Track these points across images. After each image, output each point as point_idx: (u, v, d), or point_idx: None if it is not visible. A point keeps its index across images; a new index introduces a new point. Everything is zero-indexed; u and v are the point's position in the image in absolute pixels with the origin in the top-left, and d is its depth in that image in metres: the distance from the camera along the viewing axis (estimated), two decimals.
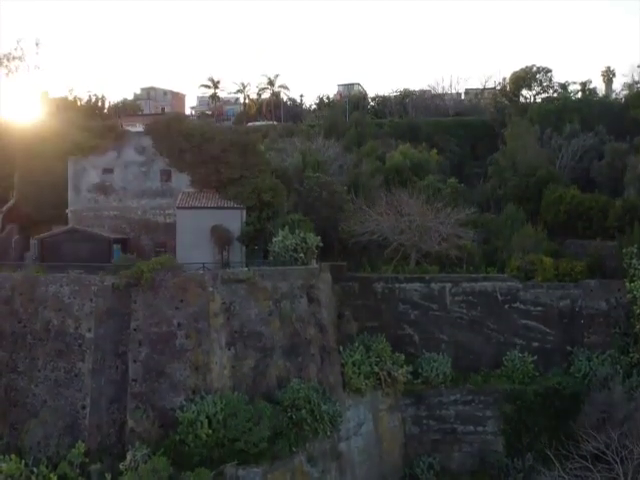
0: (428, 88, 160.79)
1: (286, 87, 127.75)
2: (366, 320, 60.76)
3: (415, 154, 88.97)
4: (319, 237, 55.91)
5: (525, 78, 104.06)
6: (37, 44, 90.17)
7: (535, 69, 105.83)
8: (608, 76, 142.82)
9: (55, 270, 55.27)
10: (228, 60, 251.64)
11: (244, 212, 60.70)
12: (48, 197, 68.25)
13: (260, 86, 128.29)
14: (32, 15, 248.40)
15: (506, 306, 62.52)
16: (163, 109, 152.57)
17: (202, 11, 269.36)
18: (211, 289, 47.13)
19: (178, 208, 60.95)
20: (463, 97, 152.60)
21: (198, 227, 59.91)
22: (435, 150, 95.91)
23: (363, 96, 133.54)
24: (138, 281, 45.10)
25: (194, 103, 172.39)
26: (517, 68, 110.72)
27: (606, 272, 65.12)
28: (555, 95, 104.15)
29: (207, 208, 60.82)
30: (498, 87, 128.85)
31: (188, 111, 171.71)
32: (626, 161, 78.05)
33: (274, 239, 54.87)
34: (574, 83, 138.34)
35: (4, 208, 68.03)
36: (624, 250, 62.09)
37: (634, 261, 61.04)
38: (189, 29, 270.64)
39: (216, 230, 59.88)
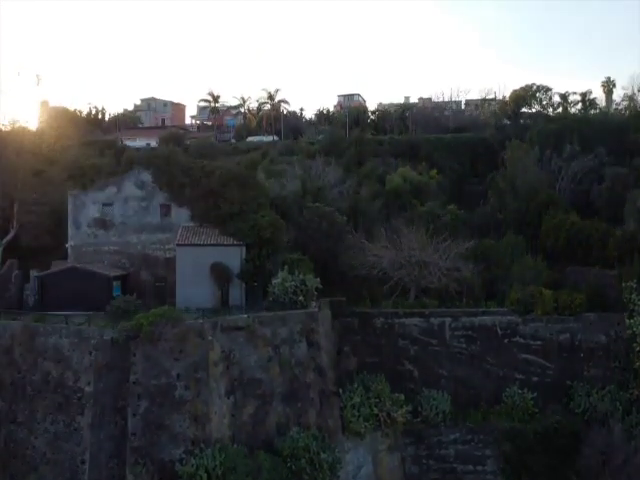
0: (429, 96, 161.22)
1: (286, 101, 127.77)
2: (366, 356, 60.86)
3: (415, 177, 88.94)
4: (318, 279, 55.90)
5: (525, 97, 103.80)
6: (38, 78, 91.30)
7: (535, 87, 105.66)
8: (608, 87, 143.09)
9: (55, 308, 55.97)
10: (229, 69, 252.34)
11: (244, 249, 60.80)
12: (48, 228, 68.69)
13: (260, 100, 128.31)
14: (34, 25, 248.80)
15: (506, 340, 62.55)
16: (163, 120, 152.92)
17: (202, 21, 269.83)
18: (210, 338, 47.28)
19: (178, 245, 61.08)
20: (463, 107, 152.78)
21: (198, 264, 60.14)
22: (435, 170, 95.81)
23: (363, 109, 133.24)
24: (138, 334, 45.14)
25: (194, 112, 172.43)
26: (517, 85, 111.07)
27: (606, 303, 65.03)
28: (555, 114, 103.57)
29: (207, 245, 60.90)
30: (499, 99, 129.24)
31: (188, 120, 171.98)
32: (627, 194, 77.70)
33: (274, 281, 54.88)
34: (574, 94, 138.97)
35: (4, 241, 68.14)
36: (624, 284, 61.92)
37: (633, 296, 60.97)
38: (190, 39, 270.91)
39: (216, 268, 60.06)
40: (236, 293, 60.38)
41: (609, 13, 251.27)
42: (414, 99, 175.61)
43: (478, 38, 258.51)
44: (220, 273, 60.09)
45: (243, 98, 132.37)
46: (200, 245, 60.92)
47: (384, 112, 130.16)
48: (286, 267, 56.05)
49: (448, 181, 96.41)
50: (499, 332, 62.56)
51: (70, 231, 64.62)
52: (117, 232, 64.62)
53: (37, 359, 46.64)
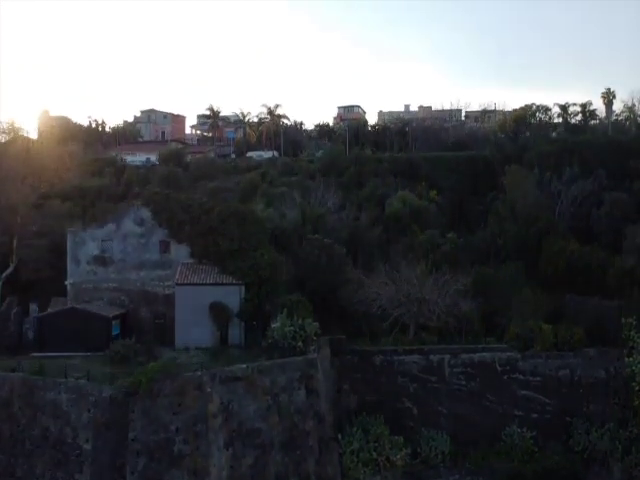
0: (429, 104, 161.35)
1: (286, 117, 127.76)
2: (365, 394, 60.70)
3: (414, 201, 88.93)
4: (317, 323, 55.95)
5: (525, 116, 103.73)
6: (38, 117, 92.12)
7: (535, 107, 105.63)
8: (608, 97, 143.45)
9: (54, 348, 56.05)
10: (228, 77, 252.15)
11: (243, 288, 60.85)
12: (48, 261, 68.80)
13: (260, 116, 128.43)
14: (36, 33, 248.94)
15: (505, 377, 62.46)
16: (163, 133, 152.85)
17: (202, 30, 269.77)
18: (209, 390, 47.32)
19: (177, 285, 61.14)
20: (463, 117, 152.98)
21: (197, 303, 60.40)
22: (434, 191, 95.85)
23: (363, 123, 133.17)
24: (136, 391, 45.15)
25: (194, 120, 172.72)
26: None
27: (606, 336, 64.93)
28: (555, 133, 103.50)
29: (206, 285, 60.98)
30: (499, 110, 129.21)
31: (188, 130, 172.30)
32: (627, 220, 77.81)
33: (272, 325, 54.91)
34: (574, 105, 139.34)
35: (3, 275, 68.27)
36: (623, 320, 61.88)
37: (632, 333, 60.95)
38: (190, 49, 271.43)
39: (215, 307, 60.29)
40: (235, 332, 60.59)
41: (609, 27, 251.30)
42: (414, 107, 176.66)
43: (478, 49, 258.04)
44: (219, 312, 60.26)
45: (243, 113, 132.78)
46: (199, 284, 60.98)
47: (384, 127, 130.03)
48: (285, 310, 55.98)
49: (448, 201, 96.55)
50: (498, 368, 62.44)
51: (69, 268, 64.72)
52: (116, 269, 64.76)
53: (36, 413, 46.68)
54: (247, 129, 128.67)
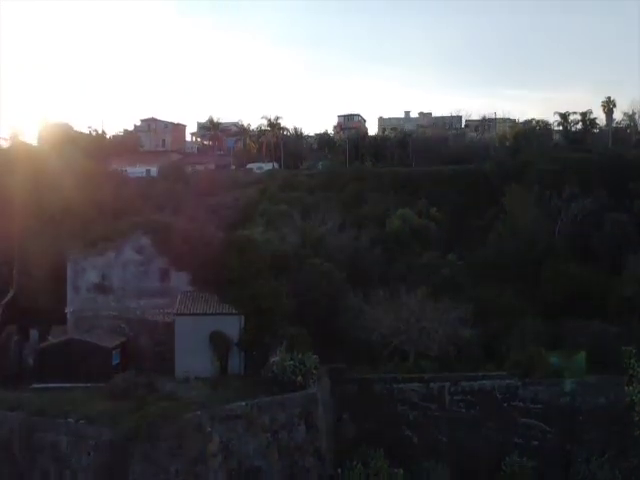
0: (429, 111, 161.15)
1: (286, 128, 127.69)
2: (365, 423, 60.74)
3: (414, 219, 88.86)
4: (316, 356, 55.90)
5: (525, 133, 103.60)
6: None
7: (535, 122, 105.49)
8: (609, 106, 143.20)
9: (54, 378, 56.06)
10: (229, 84, 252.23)
11: (242, 318, 60.74)
12: (47, 288, 68.58)
13: (261, 127, 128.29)
14: (35, 38, 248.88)
15: (505, 404, 62.60)
16: (163, 141, 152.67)
17: (201, 39, 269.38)
18: (209, 429, 47.33)
19: (177, 315, 61.05)
20: (464, 126, 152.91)
21: (197, 333, 60.30)
22: (434, 208, 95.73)
23: (363, 135, 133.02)
24: (136, 435, 45.12)
25: (194, 127, 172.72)
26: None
27: (606, 361, 64.90)
28: (555, 152, 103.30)
29: (206, 315, 60.93)
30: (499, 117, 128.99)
31: (189, 137, 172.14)
32: (627, 242, 77.85)
33: (272, 359, 54.86)
34: (574, 113, 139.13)
35: (3, 302, 68.22)
36: (623, 348, 61.88)
37: (632, 361, 60.92)
38: (190, 56, 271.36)
39: (215, 337, 60.19)
40: (235, 362, 60.52)
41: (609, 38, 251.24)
42: (414, 114, 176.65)
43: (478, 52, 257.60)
44: (219, 342, 60.17)
45: (243, 126, 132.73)
46: (199, 315, 60.93)
47: (384, 137, 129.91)
48: (285, 342, 55.96)
49: (448, 217, 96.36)
50: (498, 396, 62.59)
51: (69, 296, 64.73)
52: (116, 297, 64.71)
53: (36, 455, 46.68)
54: (247, 140, 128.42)
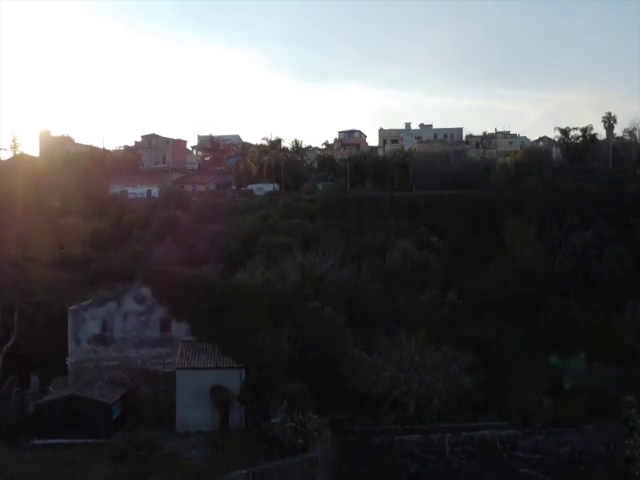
0: (429, 122, 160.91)
1: (287, 150, 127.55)
2: (366, 476, 61.05)
3: (414, 253, 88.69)
4: (317, 417, 55.87)
5: (525, 162, 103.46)
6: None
7: (535, 151, 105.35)
8: (609, 122, 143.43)
9: (54, 433, 56.30)
10: (230, 100, 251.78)
11: (243, 372, 60.87)
12: (48, 336, 68.82)
13: (262, 148, 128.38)
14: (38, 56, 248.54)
15: (505, 455, 62.71)
16: (164, 158, 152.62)
17: (202, 59, 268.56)
18: None
19: (178, 369, 61.17)
20: (464, 139, 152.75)
21: (198, 387, 60.60)
22: (434, 237, 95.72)
23: (364, 156, 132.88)
24: None
25: (195, 141, 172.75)
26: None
27: (607, 406, 64.89)
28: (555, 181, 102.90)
29: (206, 369, 61.08)
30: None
31: (189, 147, 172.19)
32: (628, 276, 77.97)
33: (272, 420, 54.85)
34: (575, 129, 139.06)
35: (4, 348, 68.34)
36: (623, 399, 61.93)
37: (633, 412, 60.97)
38: (190, 70, 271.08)
39: (215, 391, 60.42)
40: (236, 416, 60.70)
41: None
42: (415, 125, 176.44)
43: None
44: (220, 396, 60.34)
45: (242, 141, 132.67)
46: (200, 369, 61.07)
47: (384, 159, 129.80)
48: (285, 402, 55.94)
49: (449, 245, 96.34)
50: (499, 446, 62.69)
51: (70, 347, 64.86)
52: (117, 347, 64.87)
53: None
54: (248, 161, 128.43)
